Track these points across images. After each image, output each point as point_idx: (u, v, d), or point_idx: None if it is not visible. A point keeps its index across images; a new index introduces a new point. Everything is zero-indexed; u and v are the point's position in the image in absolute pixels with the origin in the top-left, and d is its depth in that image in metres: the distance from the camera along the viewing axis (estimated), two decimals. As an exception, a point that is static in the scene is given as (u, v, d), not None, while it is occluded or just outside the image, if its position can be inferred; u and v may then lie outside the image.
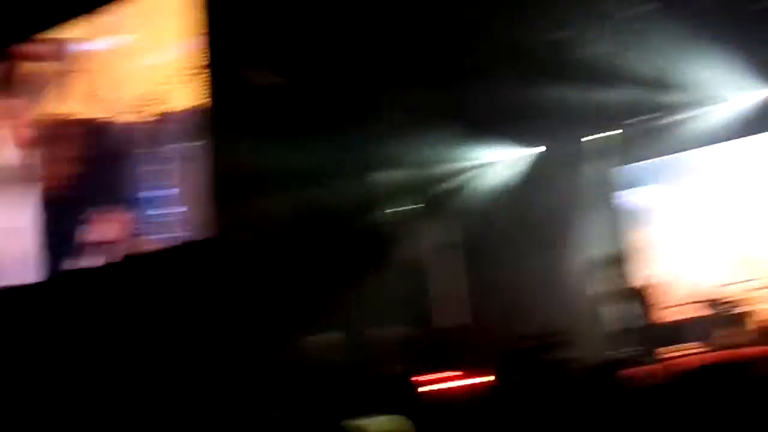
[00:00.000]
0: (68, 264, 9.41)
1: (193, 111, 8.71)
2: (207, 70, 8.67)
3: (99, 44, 9.60)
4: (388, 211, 9.20)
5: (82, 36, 9.76)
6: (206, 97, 8.62)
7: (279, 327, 8.07)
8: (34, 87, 10.01)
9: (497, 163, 9.49)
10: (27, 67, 10.09)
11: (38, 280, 9.58)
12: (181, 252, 8.67)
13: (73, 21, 9.79)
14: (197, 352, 8.23)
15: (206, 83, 8.65)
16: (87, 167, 9.42)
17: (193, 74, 8.74)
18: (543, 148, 9.28)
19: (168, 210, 8.81)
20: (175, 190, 8.76)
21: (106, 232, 9.13)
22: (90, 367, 8.83)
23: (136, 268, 8.98)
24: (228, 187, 8.45)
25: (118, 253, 9.04)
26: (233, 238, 8.31)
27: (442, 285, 9.24)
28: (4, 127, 10.15)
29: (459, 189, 9.40)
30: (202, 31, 8.75)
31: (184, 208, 8.70)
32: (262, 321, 8.18)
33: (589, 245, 8.57)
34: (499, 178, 9.43)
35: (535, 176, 9.12)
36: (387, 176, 9.16)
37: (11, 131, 10.09)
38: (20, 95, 10.11)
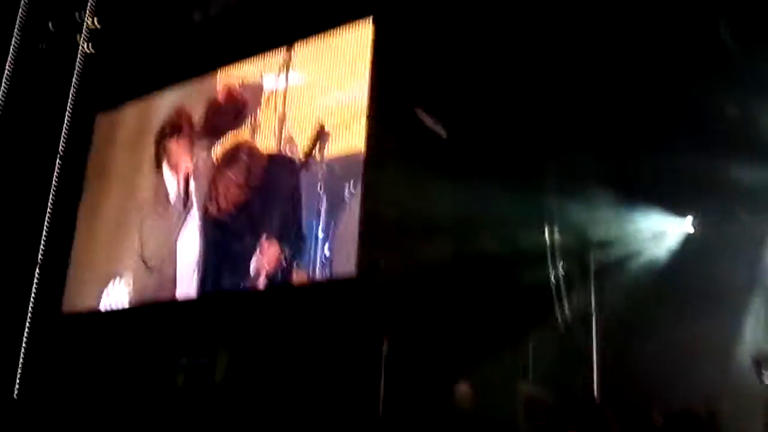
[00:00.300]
0: (221, 285, 9.85)
1: (355, 154, 8.91)
2: (373, 115, 8.87)
3: (275, 81, 10.10)
4: (540, 269, 9.04)
5: (260, 72, 10.29)
6: (369, 141, 8.80)
7: (419, 372, 8.06)
8: (215, 119, 10.58)
9: (664, 233, 9.20)
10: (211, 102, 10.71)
11: (192, 297, 10.04)
12: (325, 288, 8.84)
13: (252, 58, 10.41)
14: (327, 387, 8.32)
15: (371, 128, 8.84)
16: (251, 196, 9.81)
17: (360, 117, 8.97)
18: (715, 222, 8.91)
19: (319, 246, 8.96)
20: (328, 229, 8.93)
21: (258, 259, 9.39)
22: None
23: (278, 298, 9.25)
24: (378, 231, 8.57)
25: (265, 282, 9.28)
26: (377, 281, 8.38)
27: (586, 350, 8.96)
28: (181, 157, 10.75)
29: (623, 257, 9.14)
30: (373, 75, 8.98)
31: (334, 247, 8.84)
32: (400, 365, 8.19)
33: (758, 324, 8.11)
34: (665, 249, 9.12)
35: (702, 249, 8.75)
36: (543, 236, 9.06)
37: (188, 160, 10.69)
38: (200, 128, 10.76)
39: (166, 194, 10.80)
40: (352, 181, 8.81)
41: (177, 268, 10.29)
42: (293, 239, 9.18)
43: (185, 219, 10.44)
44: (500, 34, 8.93)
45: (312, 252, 8.95)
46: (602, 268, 9.04)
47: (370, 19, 9.14)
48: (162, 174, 10.98)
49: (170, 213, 10.67)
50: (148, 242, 10.81)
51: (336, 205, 8.92)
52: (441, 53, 8.86)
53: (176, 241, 10.42)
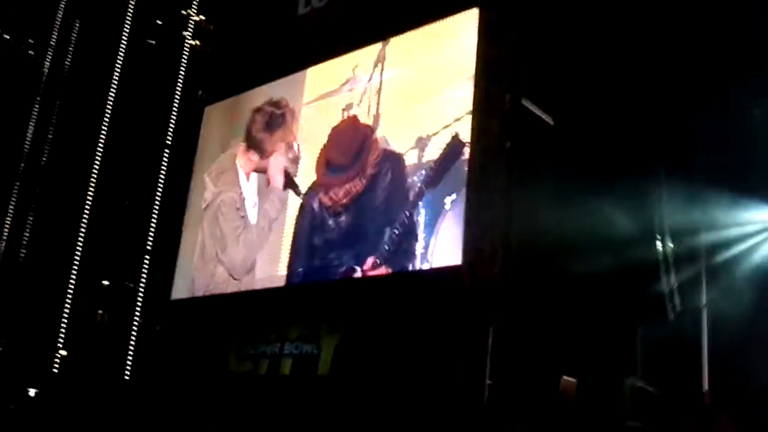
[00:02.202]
0: (312, 275, 9.92)
1: (456, 152, 8.78)
2: (480, 107, 8.73)
3: (369, 77, 9.99)
4: (651, 263, 8.86)
5: (353, 66, 10.27)
6: (474, 134, 8.67)
7: (525, 362, 8.03)
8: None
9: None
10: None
11: (282, 284, 10.18)
12: (430, 278, 8.78)
13: (350, 51, 10.41)
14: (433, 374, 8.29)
15: (477, 120, 8.70)
16: (365, 188, 9.68)
17: (461, 115, 8.82)
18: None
19: (415, 241, 8.86)
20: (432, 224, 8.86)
21: (358, 253, 9.44)
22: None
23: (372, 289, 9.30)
24: (485, 223, 8.49)
25: (356, 273, 9.30)
26: (484, 273, 8.30)
27: (696, 344, 8.78)
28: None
29: (736, 250, 8.89)
30: (479, 68, 8.82)
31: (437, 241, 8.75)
32: (506, 354, 8.15)
33: None
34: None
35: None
36: (653, 227, 8.88)
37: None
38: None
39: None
40: (453, 189, 8.66)
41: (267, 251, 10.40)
42: (387, 233, 9.09)
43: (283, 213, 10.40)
44: (608, 22, 8.82)
45: (399, 243, 8.87)
46: (714, 262, 8.84)
47: (476, 10, 8.95)
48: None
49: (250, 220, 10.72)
50: (233, 255, 10.90)
51: (437, 207, 8.72)
52: (550, 44, 8.78)
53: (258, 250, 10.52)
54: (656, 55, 8.75)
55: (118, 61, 13.01)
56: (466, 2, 9.10)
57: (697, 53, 8.62)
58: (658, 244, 8.77)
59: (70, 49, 13.55)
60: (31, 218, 13.76)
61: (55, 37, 13.49)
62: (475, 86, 8.72)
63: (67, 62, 13.66)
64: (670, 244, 8.86)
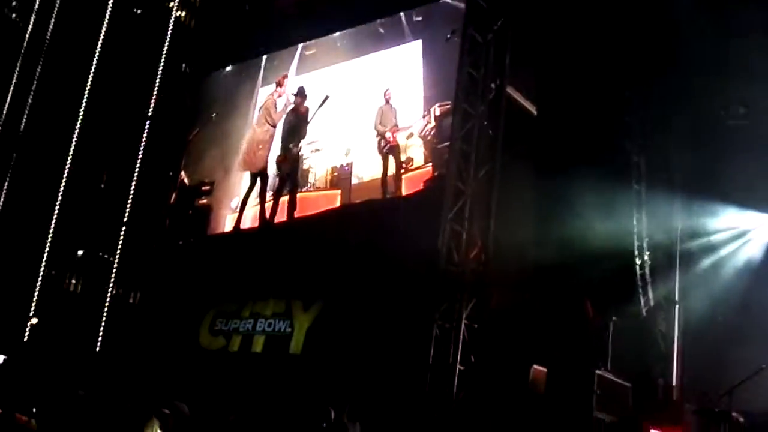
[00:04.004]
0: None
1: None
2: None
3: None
4: (625, 257, 8.89)
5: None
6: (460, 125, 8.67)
7: (495, 354, 8.03)
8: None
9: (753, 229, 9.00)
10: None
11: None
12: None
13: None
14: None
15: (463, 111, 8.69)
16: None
17: None
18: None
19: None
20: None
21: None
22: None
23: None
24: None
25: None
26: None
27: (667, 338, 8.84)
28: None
29: (710, 250, 8.96)
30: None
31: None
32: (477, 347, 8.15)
33: None
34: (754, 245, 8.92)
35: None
36: (630, 223, 8.91)
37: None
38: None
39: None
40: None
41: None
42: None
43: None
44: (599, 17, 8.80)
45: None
46: (689, 260, 8.89)
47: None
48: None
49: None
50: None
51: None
52: (537, 34, 8.76)
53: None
54: (635, 59, 8.76)
55: (103, 29, 12.86)
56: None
57: (676, 58, 8.62)
58: (635, 239, 8.80)
59: (54, 14, 13.39)
60: (6, 185, 13.61)
61: (38, 1, 13.33)
62: (460, 71, 8.75)
63: (50, 28, 13.49)
64: (646, 240, 8.90)
